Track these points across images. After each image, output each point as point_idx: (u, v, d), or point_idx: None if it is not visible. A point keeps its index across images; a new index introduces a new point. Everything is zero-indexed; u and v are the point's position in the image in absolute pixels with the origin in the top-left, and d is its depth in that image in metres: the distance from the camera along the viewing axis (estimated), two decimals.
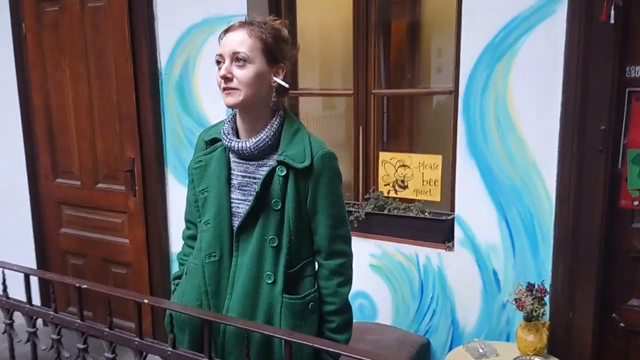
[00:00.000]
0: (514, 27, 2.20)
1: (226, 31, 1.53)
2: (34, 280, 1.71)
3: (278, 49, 1.52)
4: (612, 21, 1.99)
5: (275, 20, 1.57)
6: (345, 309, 1.60)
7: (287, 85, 1.55)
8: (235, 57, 1.47)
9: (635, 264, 2.19)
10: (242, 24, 1.52)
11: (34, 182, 3.66)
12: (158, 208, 3.20)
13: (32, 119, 3.58)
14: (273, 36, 1.51)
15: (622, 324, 2.22)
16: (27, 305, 1.69)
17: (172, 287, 1.72)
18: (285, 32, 1.56)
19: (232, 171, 1.58)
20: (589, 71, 2.08)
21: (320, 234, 1.56)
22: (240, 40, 1.48)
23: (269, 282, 1.52)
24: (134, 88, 3.11)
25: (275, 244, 1.52)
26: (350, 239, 1.62)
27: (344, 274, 1.59)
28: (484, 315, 2.43)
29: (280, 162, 1.50)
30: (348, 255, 1.61)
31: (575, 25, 2.08)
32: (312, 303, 1.55)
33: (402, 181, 2.69)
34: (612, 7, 1.98)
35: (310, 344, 1.28)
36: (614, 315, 2.24)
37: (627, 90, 2.09)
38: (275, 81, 1.53)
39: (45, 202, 3.67)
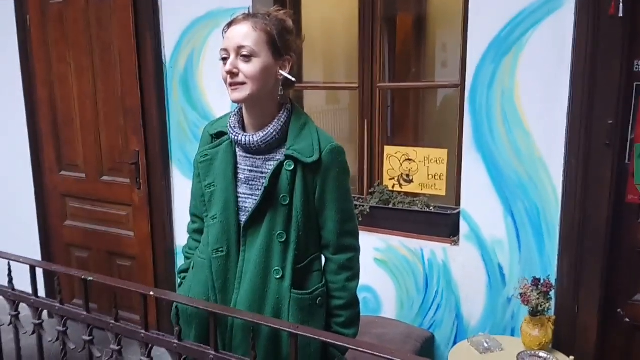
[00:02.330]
0: (520, 21, 2.19)
1: (230, 24, 1.50)
2: (39, 273, 1.71)
3: (283, 41, 1.50)
4: (620, 14, 1.98)
5: (279, 10, 1.54)
6: (354, 303, 1.60)
7: (293, 79, 1.54)
8: (241, 52, 1.45)
9: None
10: (246, 17, 1.49)
11: (39, 175, 3.66)
12: (163, 201, 3.21)
13: (36, 112, 3.58)
14: (278, 28, 1.48)
15: (627, 319, 2.22)
16: (33, 297, 1.69)
17: (179, 280, 1.72)
18: (290, 22, 1.53)
19: (238, 165, 1.56)
20: (596, 65, 2.07)
21: (328, 229, 1.55)
22: (245, 34, 1.45)
23: (277, 277, 1.51)
24: (138, 81, 3.10)
25: (283, 239, 1.51)
26: (358, 234, 1.62)
27: (352, 268, 1.59)
28: (489, 309, 2.43)
29: (288, 157, 1.49)
30: (356, 250, 1.61)
31: (583, 18, 2.06)
32: (320, 298, 1.55)
33: (407, 175, 2.68)
34: (621, 0, 1.97)
35: (316, 337, 1.28)
36: (619, 310, 2.23)
37: (634, 84, 2.08)
38: (282, 74, 1.51)
39: (50, 195, 3.67)
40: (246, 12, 1.55)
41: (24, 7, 3.47)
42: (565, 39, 2.11)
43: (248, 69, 1.45)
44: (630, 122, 2.10)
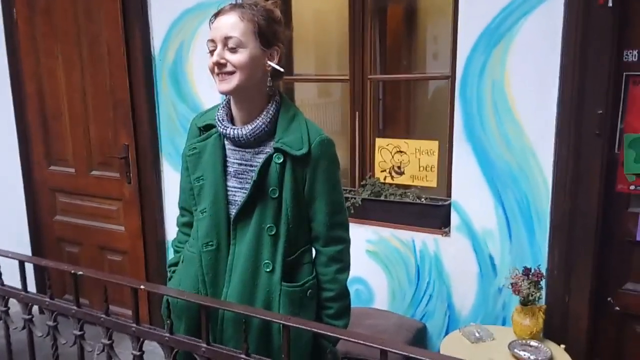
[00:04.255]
0: (511, 11, 2.19)
1: (216, 15, 1.48)
2: (29, 269, 1.70)
3: (271, 32, 1.48)
4: (610, 4, 1.98)
5: (267, 1, 1.52)
6: (344, 295, 1.60)
7: (282, 70, 1.53)
8: (228, 43, 1.43)
9: (630, 248, 2.20)
10: (233, 7, 1.47)
11: (28, 170, 3.64)
12: (153, 195, 3.19)
13: (24, 106, 3.55)
14: (266, 18, 1.47)
15: (617, 308, 2.24)
16: (23, 292, 1.68)
17: (168, 274, 1.71)
18: (277, 12, 1.52)
19: (227, 159, 1.55)
20: (586, 55, 2.07)
21: (318, 221, 1.55)
22: (232, 24, 1.44)
23: (268, 270, 1.50)
24: (127, 74, 3.08)
25: (273, 232, 1.50)
26: (348, 226, 1.62)
27: (343, 260, 1.59)
28: (480, 299, 2.44)
29: (277, 150, 1.48)
30: (346, 242, 1.60)
31: (573, 8, 2.06)
32: (310, 290, 1.55)
33: (399, 167, 2.68)
34: None
35: (308, 328, 1.28)
36: (609, 299, 2.25)
37: (624, 74, 2.09)
38: (270, 65, 1.50)
39: (39, 190, 3.65)
40: (234, 2, 1.53)
41: (10, 0, 3.42)
42: (555, 29, 2.11)
43: (236, 58, 1.44)
44: (620, 111, 2.11)
